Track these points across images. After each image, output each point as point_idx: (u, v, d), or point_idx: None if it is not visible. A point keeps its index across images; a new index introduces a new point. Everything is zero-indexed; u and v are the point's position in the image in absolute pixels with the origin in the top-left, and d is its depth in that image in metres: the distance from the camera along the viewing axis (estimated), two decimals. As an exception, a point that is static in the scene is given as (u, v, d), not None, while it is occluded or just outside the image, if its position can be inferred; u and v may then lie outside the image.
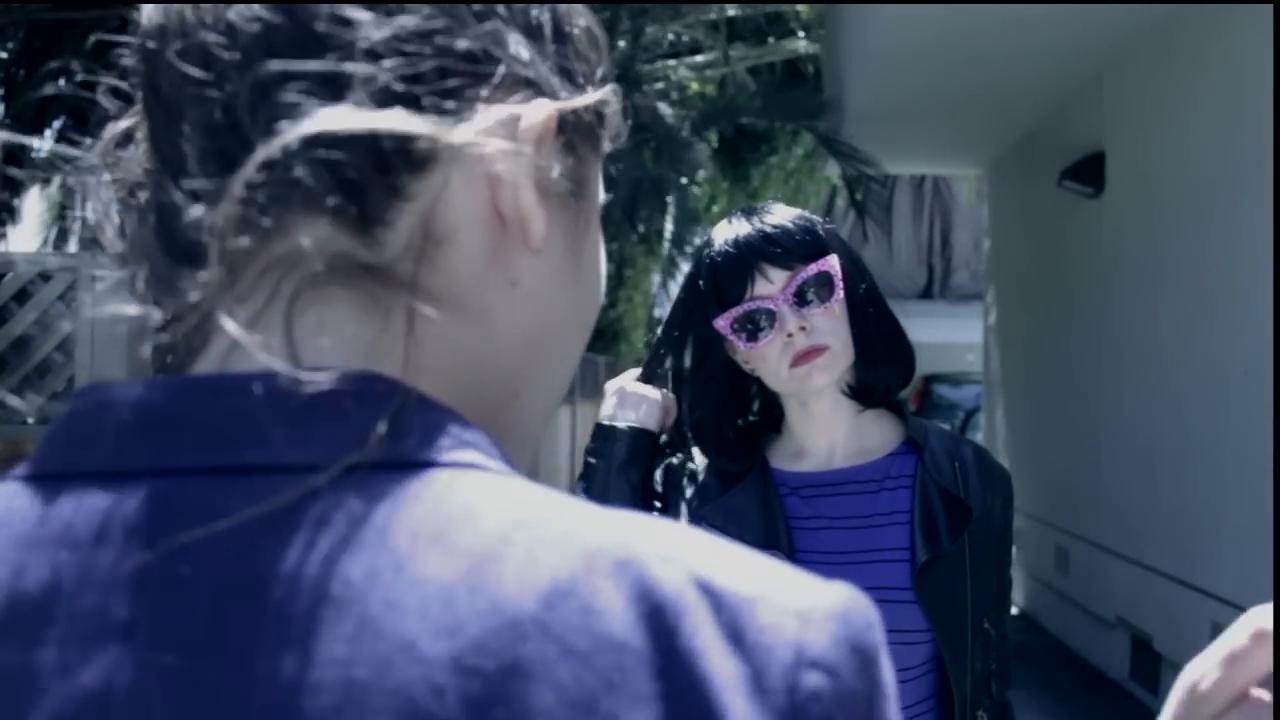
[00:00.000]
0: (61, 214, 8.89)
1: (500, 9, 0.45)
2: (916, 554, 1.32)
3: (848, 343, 1.35)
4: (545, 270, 0.47)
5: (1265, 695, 0.51)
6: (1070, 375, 6.35)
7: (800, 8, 10.96)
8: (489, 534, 0.38)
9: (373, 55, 0.41)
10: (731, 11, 10.70)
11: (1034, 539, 6.83)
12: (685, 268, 1.48)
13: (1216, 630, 4.37)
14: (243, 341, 0.40)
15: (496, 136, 0.44)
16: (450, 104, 0.43)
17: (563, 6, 0.49)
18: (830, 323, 1.34)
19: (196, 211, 0.42)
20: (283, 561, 0.37)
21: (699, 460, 1.46)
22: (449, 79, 0.43)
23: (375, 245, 0.42)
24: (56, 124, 8.46)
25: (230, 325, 0.40)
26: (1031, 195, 7.13)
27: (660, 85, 9.96)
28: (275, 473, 0.39)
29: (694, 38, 10.67)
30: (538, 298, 0.47)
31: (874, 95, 6.54)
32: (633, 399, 1.43)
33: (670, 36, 10.22)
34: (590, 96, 0.48)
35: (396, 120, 0.41)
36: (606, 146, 0.50)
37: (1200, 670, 0.53)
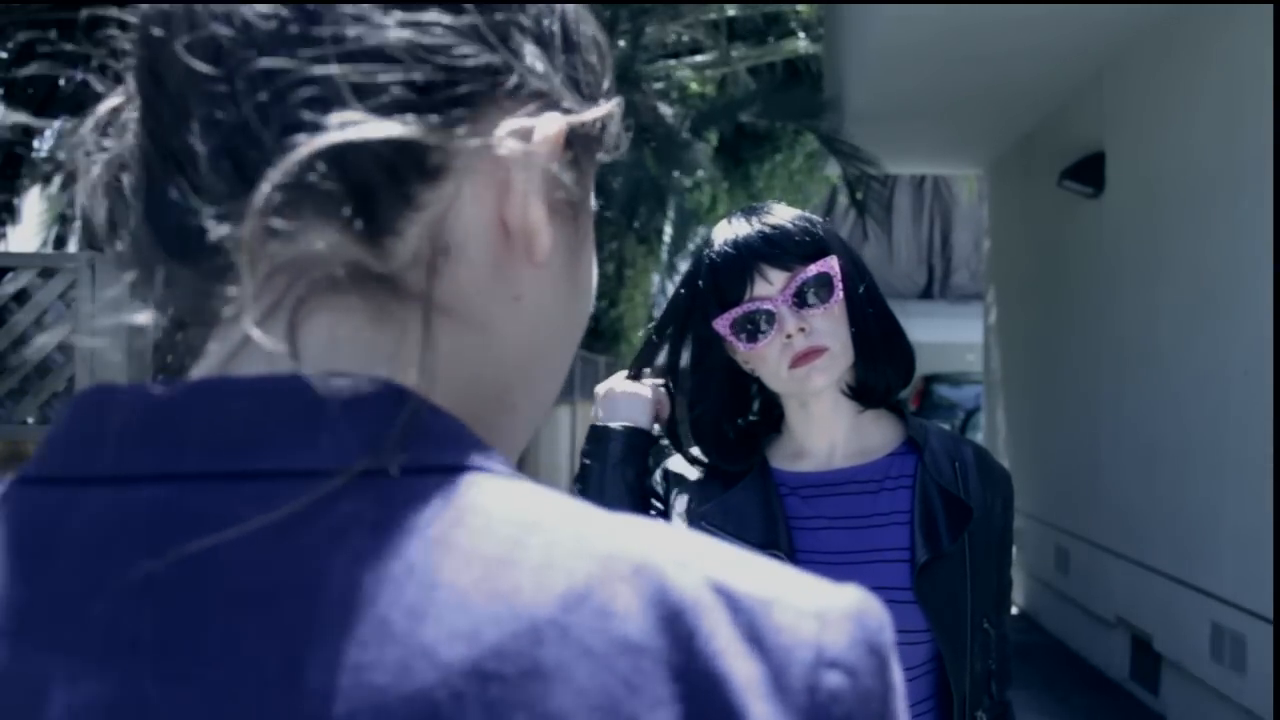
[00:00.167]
0: (61, 214, 8.89)
1: (519, 18, 0.45)
2: (916, 554, 1.32)
3: (847, 343, 1.35)
4: (545, 284, 0.47)
5: None
6: (1070, 375, 6.35)
7: (800, 8, 10.97)
8: (504, 539, 0.38)
9: (390, 60, 0.41)
10: (731, 11, 10.70)
11: (1034, 539, 6.83)
12: (685, 268, 1.48)
13: (1216, 630, 4.37)
14: (265, 347, 0.39)
15: (509, 149, 0.43)
16: (464, 113, 0.42)
17: (572, 15, 0.48)
18: (830, 323, 1.34)
19: (210, 214, 0.41)
20: (297, 568, 0.37)
21: (678, 463, 1.46)
22: (464, 88, 0.42)
23: (384, 254, 0.41)
24: (57, 124, 8.46)
25: (255, 333, 0.39)
26: (1031, 195, 7.13)
27: (660, 85, 9.96)
28: (285, 478, 0.38)
29: (694, 38, 10.68)
30: (538, 312, 0.47)
31: (874, 95, 6.54)
32: (623, 398, 1.44)
33: (670, 37, 10.22)
34: (599, 110, 0.48)
35: (415, 129, 0.40)
36: (604, 157, 0.50)
37: None
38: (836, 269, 1.34)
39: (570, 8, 0.49)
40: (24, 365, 3.66)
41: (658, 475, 1.48)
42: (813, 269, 1.33)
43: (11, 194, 7.93)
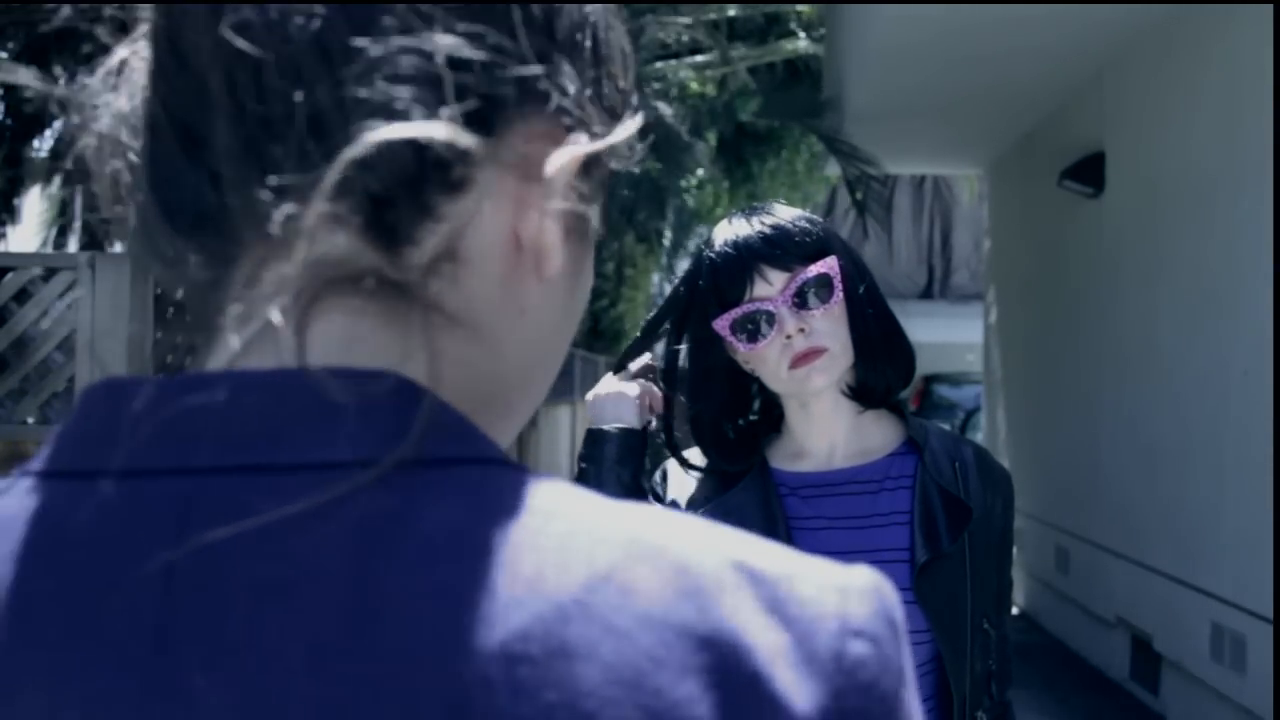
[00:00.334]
0: (62, 214, 8.89)
1: (556, 32, 0.44)
2: (916, 554, 1.32)
3: (847, 344, 1.35)
4: (549, 298, 0.47)
5: None
6: (1070, 375, 6.35)
7: (800, 7, 10.97)
8: (524, 526, 0.38)
9: (432, 72, 0.40)
10: (731, 11, 10.70)
11: (1034, 539, 6.83)
12: (685, 267, 1.49)
13: (1216, 630, 4.37)
14: (282, 336, 0.39)
15: (533, 168, 0.43)
16: (495, 127, 0.42)
17: (603, 26, 0.48)
18: (830, 324, 1.34)
19: (230, 200, 0.41)
20: (317, 559, 0.37)
21: (672, 468, 1.47)
22: (499, 103, 0.42)
23: (400, 261, 0.41)
24: (57, 124, 8.46)
25: (277, 317, 0.40)
26: (1031, 195, 7.14)
27: (660, 85, 9.95)
28: (300, 471, 0.38)
29: (694, 38, 10.67)
30: (540, 324, 0.47)
31: (874, 95, 6.54)
32: (609, 400, 1.46)
33: (670, 37, 10.22)
34: (624, 130, 0.47)
35: (461, 136, 0.40)
36: (617, 166, 0.50)
37: None
38: (837, 269, 1.34)
39: (602, 18, 0.48)
40: (24, 365, 3.66)
41: (657, 476, 1.48)
42: (813, 269, 1.33)
43: (12, 194, 7.93)
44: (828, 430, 1.41)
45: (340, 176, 0.39)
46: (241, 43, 0.40)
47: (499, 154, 0.42)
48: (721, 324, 1.35)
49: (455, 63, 0.41)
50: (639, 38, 8.92)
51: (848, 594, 0.40)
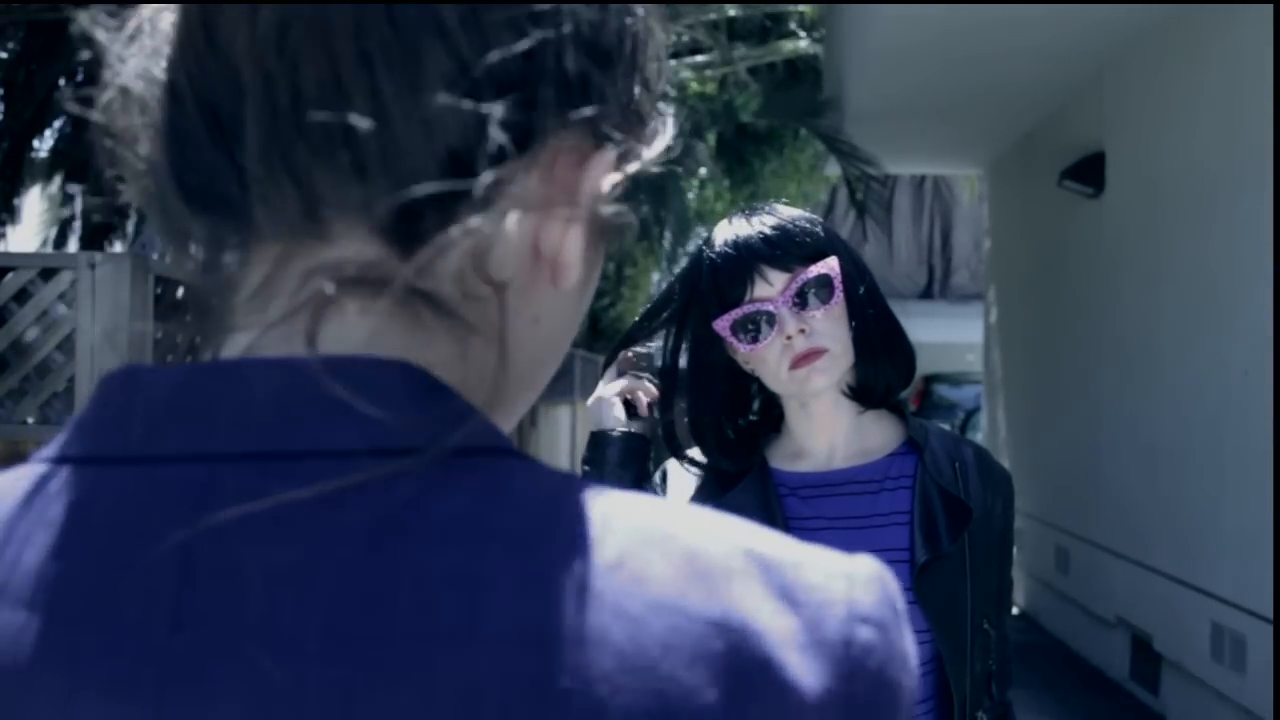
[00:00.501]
0: (61, 213, 8.89)
1: (599, 44, 0.44)
2: (916, 554, 1.32)
3: (847, 345, 1.35)
4: (561, 305, 0.47)
5: None
6: (1070, 375, 6.35)
7: (800, 7, 10.97)
8: (536, 514, 0.39)
9: (469, 84, 0.40)
10: (731, 11, 10.70)
11: (1034, 539, 6.83)
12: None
13: (1216, 630, 4.37)
14: (299, 338, 0.39)
15: (562, 179, 0.43)
16: (530, 145, 0.42)
17: (644, 33, 0.47)
18: (830, 325, 1.34)
19: (256, 195, 0.40)
20: (333, 544, 0.37)
21: (677, 464, 1.47)
22: (534, 119, 0.42)
23: (420, 269, 0.41)
24: (57, 124, 8.47)
25: (291, 311, 0.40)
26: (1031, 195, 7.14)
27: (660, 85, 9.93)
28: (315, 458, 0.38)
29: (694, 38, 10.68)
30: (551, 331, 0.47)
31: (874, 95, 6.55)
32: (595, 405, 1.49)
33: (670, 37, 10.21)
34: (658, 142, 0.47)
35: (496, 155, 0.40)
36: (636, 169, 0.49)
37: None
38: (837, 270, 1.34)
39: (643, 24, 0.47)
40: (24, 365, 3.66)
41: (657, 476, 1.48)
42: (813, 270, 1.33)
43: (11, 193, 7.93)
44: (828, 430, 1.41)
45: (367, 188, 0.39)
46: (283, 43, 0.39)
47: (529, 168, 0.42)
48: (722, 324, 1.35)
49: (497, 78, 0.40)
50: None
51: (854, 581, 0.40)
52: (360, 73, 0.39)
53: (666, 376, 1.45)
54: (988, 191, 8.89)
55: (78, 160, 8.00)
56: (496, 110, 0.40)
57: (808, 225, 1.37)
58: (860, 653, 0.38)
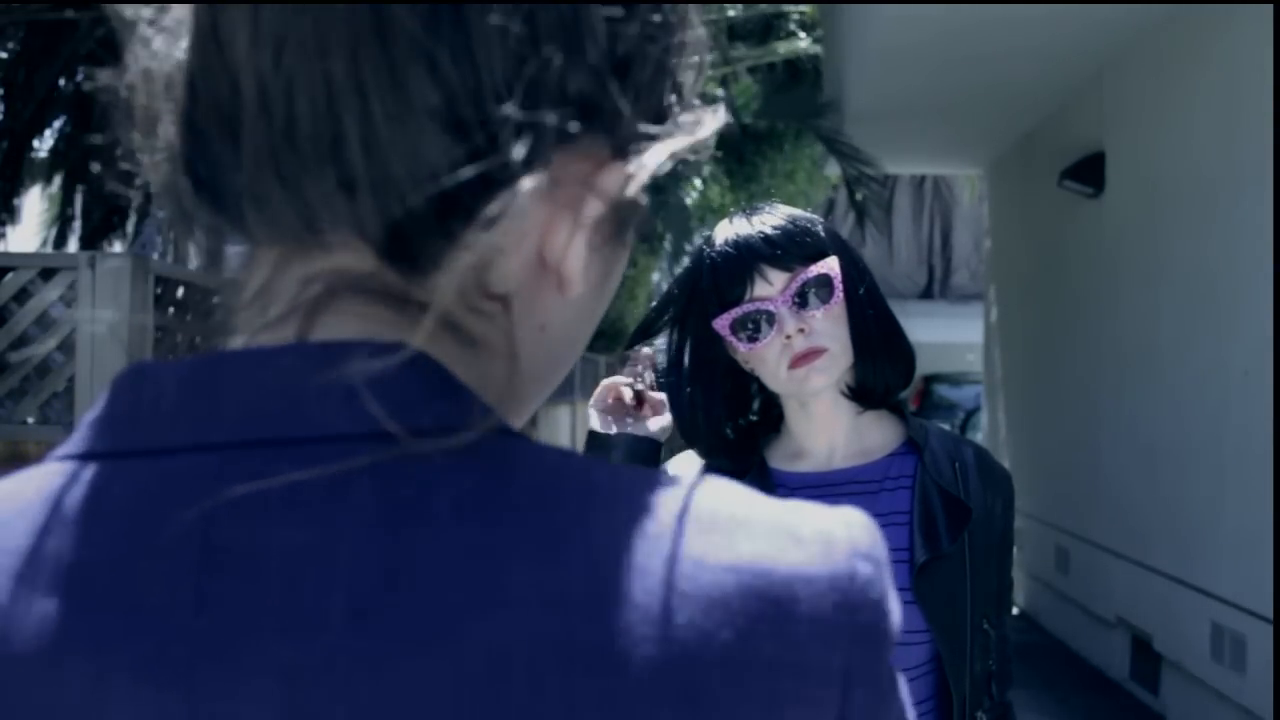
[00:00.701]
0: (62, 214, 8.88)
1: (617, 48, 0.43)
2: (915, 554, 1.32)
3: (847, 344, 1.35)
4: (571, 312, 0.47)
5: None
6: (1070, 375, 6.35)
7: (801, 7, 10.97)
8: (547, 485, 0.40)
9: (466, 103, 0.39)
10: (731, 12, 10.70)
11: (1034, 539, 6.83)
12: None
13: (1216, 630, 4.37)
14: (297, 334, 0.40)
15: (570, 190, 0.42)
16: (534, 162, 0.41)
17: (675, 33, 0.45)
18: (830, 324, 1.34)
19: (254, 199, 0.40)
20: (350, 523, 0.38)
21: (676, 464, 1.48)
22: (540, 135, 0.41)
23: (423, 282, 0.41)
24: (57, 123, 8.46)
25: (289, 310, 0.40)
26: (1031, 195, 7.13)
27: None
28: (323, 442, 0.39)
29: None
30: (560, 338, 0.47)
31: (874, 95, 6.54)
32: (593, 413, 1.50)
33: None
34: (693, 138, 0.45)
35: (493, 178, 0.39)
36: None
37: None
38: (837, 270, 1.34)
39: (679, 20, 0.46)
40: (24, 365, 3.66)
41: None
42: (813, 270, 1.33)
43: (11, 193, 7.93)
44: (827, 430, 1.41)
45: (356, 204, 0.39)
46: (278, 56, 0.39)
47: (533, 184, 0.41)
48: (722, 324, 1.35)
49: (489, 107, 0.40)
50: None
51: (851, 525, 0.42)
52: (352, 96, 0.39)
53: (671, 376, 1.45)
54: (988, 191, 8.89)
55: (78, 160, 8.00)
56: (484, 138, 0.40)
57: (808, 225, 1.37)
58: (864, 584, 0.40)
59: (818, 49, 10.43)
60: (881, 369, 1.38)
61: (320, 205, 0.40)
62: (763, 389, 1.42)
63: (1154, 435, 5.09)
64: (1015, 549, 1.47)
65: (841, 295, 1.34)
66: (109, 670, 0.37)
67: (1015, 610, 6.95)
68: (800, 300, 1.33)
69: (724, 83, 11.35)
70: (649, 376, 1.51)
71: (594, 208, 0.43)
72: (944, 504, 1.35)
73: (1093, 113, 5.93)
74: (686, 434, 1.44)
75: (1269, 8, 3.88)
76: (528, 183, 0.40)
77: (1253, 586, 4.09)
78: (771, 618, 0.38)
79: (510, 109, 0.40)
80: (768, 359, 1.35)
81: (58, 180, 9.06)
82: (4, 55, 7.62)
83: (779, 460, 1.43)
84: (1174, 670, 4.93)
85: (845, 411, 1.41)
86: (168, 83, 0.43)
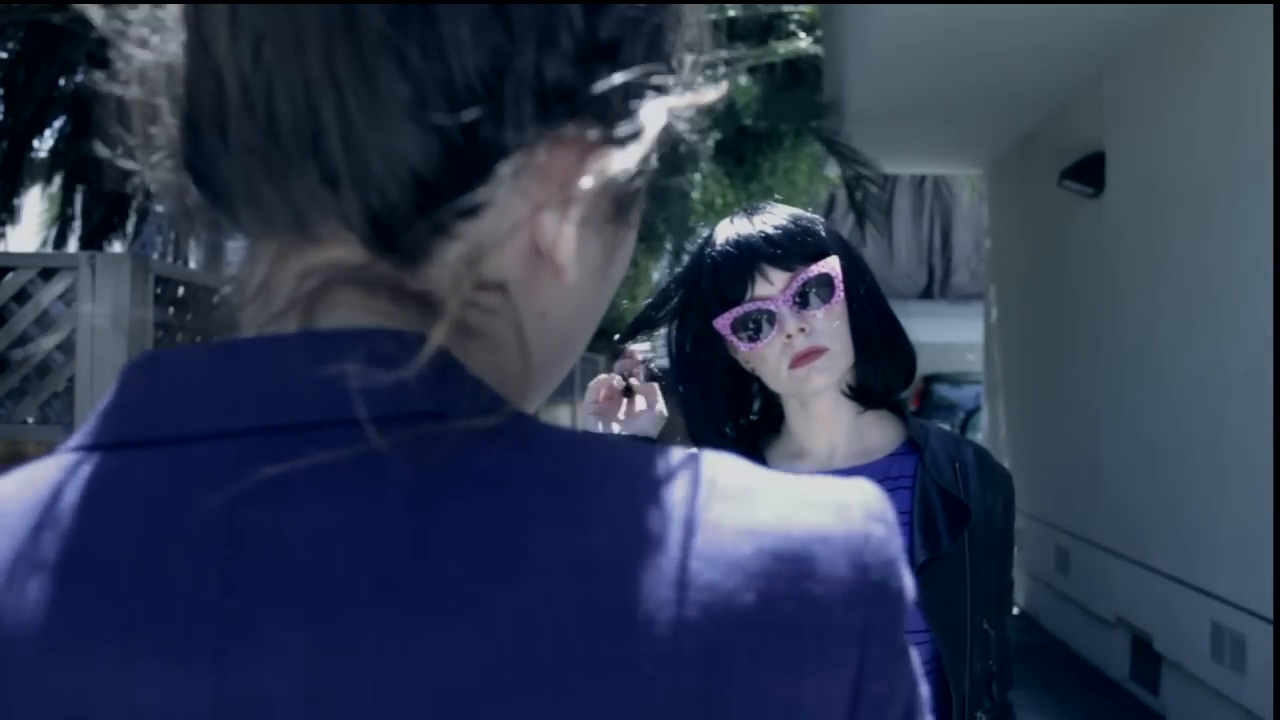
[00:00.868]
0: (62, 214, 8.88)
1: (597, 33, 0.43)
2: (915, 555, 1.32)
3: (847, 344, 1.35)
4: (572, 299, 0.47)
5: None
6: (1070, 375, 6.35)
7: (801, 7, 10.97)
8: (564, 459, 0.41)
9: (444, 90, 0.40)
10: (731, 12, 10.70)
11: (1034, 539, 6.83)
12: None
13: (1216, 630, 4.37)
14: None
15: (558, 176, 0.42)
16: (514, 148, 0.41)
17: (668, 10, 0.45)
18: (830, 324, 1.34)
19: (246, 195, 0.41)
20: (374, 501, 0.38)
21: None
22: (521, 121, 0.41)
23: (416, 274, 0.42)
24: (57, 124, 8.46)
25: (289, 304, 0.40)
26: (1031, 195, 7.13)
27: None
28: (342, 425, 0.39)
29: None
30: (562, 327, 0.47)
31: (874, 95, 6.54)
32: (590, 416, 1.51)
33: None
34: (696, 103, 0.46)
35: (474, 166, 0.40)
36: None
37: None
38: (837, 270, 1.34)
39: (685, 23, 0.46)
40: (24, 365, 3.65)
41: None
42: (814, 269, 1.33)
43: (11, 193, 7.92)
44: (828, 430, 1.41)
45: (340, 198, 0.40)
46: (257, 53, 0.40)
47: (520, 169, 0.41)
48: (722, 323, 1.35)
49: (463, 97, 0.40)
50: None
51: (862, 490, 0.43)
52: (329, 91, 0.39)
53: (671, 375, 1.45)
54: (988, 191, 8.89)
55: (78, 160, 8.00)
56: (458, 130, 0.40)
57: (809, 225, 1.37)
58: (878, 545, 0.41)
59: (818, 49, 10.43)
60: (882, 369, 1.38)
61: (306, 200, 0.41)
62: (763, 389, 1.42)
63: (1153, 435, 5.09)
64: (1015, 549, 1.47)
65: (842, 295, 1.34)
66: (137, 653, 0.38)
67: (1015, 610, 6.95)
68: (801, 300, 1.33)
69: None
70: (640, 372, 1.50)
71: (583, 191, 0.43)
72: (944, 504, 1.35)
73: (1093, 113, 5.93)
74: (691, 432, 1.44)
75: (1269, 8, 3.88)
76: (506, 171, 0.41)
77: (1253, 586, 4.09)
78: (790, 578, 0.39)
79: (480, 102, 0.40)
80: (768, 359, 1.35)
81: (58, 180, 9.06)
82: (4, 55, 7.61)
83: (779, 460, 1.43)
84: (1174, 670, 4.93)
85: (846, 411, 1.41)
86: (166, 79, 0.43)
